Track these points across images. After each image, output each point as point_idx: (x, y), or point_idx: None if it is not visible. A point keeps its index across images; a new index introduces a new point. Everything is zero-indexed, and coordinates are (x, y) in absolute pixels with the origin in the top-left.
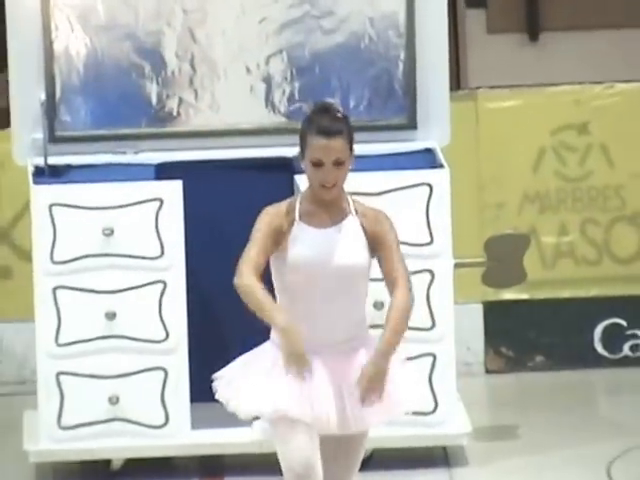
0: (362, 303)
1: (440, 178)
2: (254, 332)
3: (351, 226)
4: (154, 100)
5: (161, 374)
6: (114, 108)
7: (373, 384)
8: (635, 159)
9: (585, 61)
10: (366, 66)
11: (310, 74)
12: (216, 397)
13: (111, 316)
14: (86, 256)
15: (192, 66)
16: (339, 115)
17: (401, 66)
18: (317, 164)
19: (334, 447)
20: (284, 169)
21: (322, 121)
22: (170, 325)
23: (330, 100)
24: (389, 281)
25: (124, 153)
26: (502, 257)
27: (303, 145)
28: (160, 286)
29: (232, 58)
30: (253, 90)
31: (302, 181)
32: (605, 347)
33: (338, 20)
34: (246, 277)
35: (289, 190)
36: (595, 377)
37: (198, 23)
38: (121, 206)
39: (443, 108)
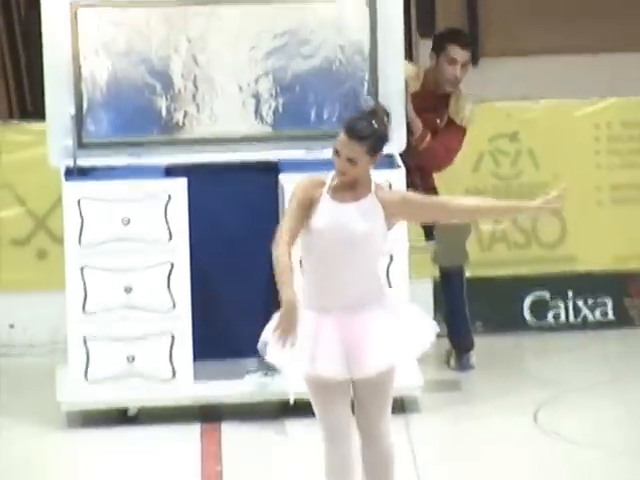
0: (374, 268)
1: (398, 177)
2: (247, 304)
3: (370, 202)
4: (164, 113)
5: (169, 337)
6: (131, 119)
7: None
8: (556, 162)
9: (517, 82)
10: (337, 85)
11: (291, 92)
12: (270, 360)
13: (128, 290)
14: (108, 241)
15: (195, 85)
16: (371, 124)
17: (366, 85)
18: (335, 152)
19: (365, 389)
20: (270, 171)
21: (353, 121)
22: (177, 297)
23: (379, 103)
24: (436, 215)
25: (139, 156)
26: (448, 242)
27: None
28: (168, 265)
29: (227, 78)
30: (244, 105)
31: (286, 181)
32: (533, 316)
33: (314, 47)
34: (280, 247)
35: (274, 188)
36: (524, 340)
37: (200, 50)
38: (136, 200)
39: (401, 120)
